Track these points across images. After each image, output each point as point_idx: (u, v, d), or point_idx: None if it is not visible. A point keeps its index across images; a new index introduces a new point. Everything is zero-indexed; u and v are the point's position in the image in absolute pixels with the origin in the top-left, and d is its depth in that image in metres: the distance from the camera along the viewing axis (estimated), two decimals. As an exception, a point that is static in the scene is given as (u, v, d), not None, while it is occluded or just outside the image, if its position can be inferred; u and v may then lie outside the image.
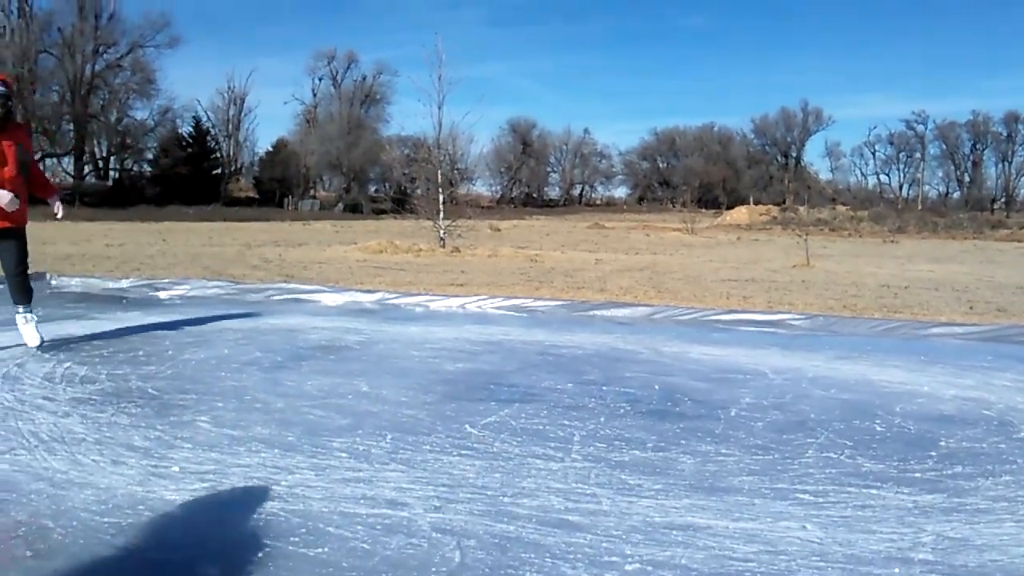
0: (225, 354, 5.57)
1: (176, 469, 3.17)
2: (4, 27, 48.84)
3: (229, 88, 66.86)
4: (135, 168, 57.68)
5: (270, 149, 67.19)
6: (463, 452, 3.50)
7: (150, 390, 4.47)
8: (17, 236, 5.35)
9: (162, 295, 8.94)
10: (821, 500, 3.02)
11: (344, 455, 3.41)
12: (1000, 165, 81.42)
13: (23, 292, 5.44)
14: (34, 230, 5.36)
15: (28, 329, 5.47)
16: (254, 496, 2.91)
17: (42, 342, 5.43)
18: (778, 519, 2.82)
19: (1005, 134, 79.94)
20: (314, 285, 9.66)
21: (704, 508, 2.92)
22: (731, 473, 3.32)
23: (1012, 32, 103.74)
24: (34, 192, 5.51)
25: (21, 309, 5.46)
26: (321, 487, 3.02)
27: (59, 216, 5.69)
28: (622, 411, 4.32)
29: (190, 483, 3.01)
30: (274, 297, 8.93)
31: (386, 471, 3.23)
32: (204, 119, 62.57)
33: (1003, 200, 78.58)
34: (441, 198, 19.98)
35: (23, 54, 48.20)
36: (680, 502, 2.97)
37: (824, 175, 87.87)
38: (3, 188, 5.04)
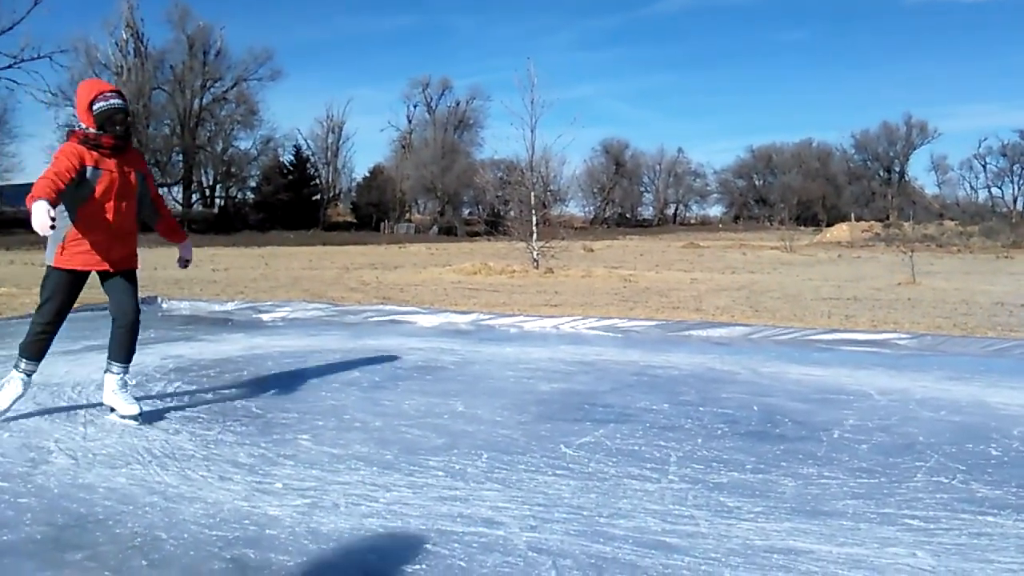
0: (325, 374, 5.71)
1: (279, 486, 3.26)
2: (122, 67, 51.61)
3: (328, 117, 68.91)
4: (239, 195, 60.04)
5: (367, 175, 68.91)
6: (558, 472, 3.50)
7: (254, 409, 4.62)
8: (134, 279, 4.41)
9: (265, 317, 9.24)
10: (932, 526, 2.90)
11: (441, 473, 3.45)
12: None
13: (131, 347, 4.36)
14: (145, 255, 5.43)
15: (125, 396, 4.32)
16: (353, 513, 2.97)
17: (141, 412, 4.29)
18: (885, 545, 2.72)
19: None
20: (410, 307, 9.84)
21: (806, 532, 2.83)
22: (835, 496, 3.22)
23: None
24: (163, 234, 4.64)
25: (117, 369, 4.32)
26: (418, 505, 3.06)
27: (185, 266, 4.82)
28: (719, 432, 4.24)
29: (292, 499, 3.10)
30: (372, 318, 9.12)
31: (482, 490, 3.25)
32: (304, 147, 64.82)
33: None
34: (534, 220, 20.07)
35: (139, 91, 50.81)
36: (781, 525, 2.90)
37: (930, 189, 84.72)
38: (123, 221, 4.22)
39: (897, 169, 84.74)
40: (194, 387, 5.15)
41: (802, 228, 64.29)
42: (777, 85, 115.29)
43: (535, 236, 19.78)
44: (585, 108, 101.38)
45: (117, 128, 4.13)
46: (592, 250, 31.29)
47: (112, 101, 4.14)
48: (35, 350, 4.24)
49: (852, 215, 68.43)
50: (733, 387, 5.49)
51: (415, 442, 3.96)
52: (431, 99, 74.22)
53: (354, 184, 71.79)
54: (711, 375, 5.94)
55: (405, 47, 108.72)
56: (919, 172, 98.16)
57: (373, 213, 63.32)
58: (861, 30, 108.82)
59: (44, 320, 4.21)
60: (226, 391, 5.07)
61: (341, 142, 70.29)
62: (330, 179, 69.61)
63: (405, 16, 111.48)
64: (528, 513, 2.98)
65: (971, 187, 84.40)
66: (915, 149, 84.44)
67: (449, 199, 67.46)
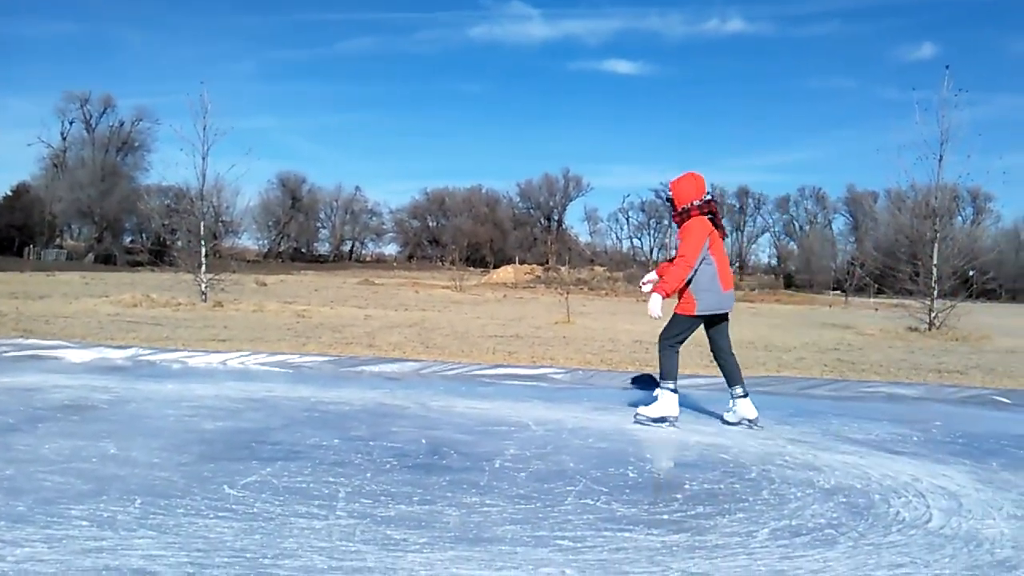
0: (-56, 417, 4.98)
1: None
2: None
3: (-40, 125, 60.84)
4: None
5: (8, 194, 61.72)
6: (220, 514, 3.33)
7: None
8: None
9: None
10: (579, 545, 3.15)
11: (85, 523, 3.14)
12: (734, 233, 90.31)
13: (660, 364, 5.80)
14: None
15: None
16: (-25, 573, 2.61)
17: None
18: (539, 566, 2.90)
19: (737, 206, 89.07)
20: (57, 340, 8.88)
21: (469, 559, 2.95)
22: (495, 523, 3.39)
23: (744, 117, 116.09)
24: None
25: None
26: (55, 560, 2.75)
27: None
28: (388, 466, 4.29)
29: None
30: (8, 353, 8.11)
31: (134, 538, 3.00)
32: (-72, 158, 56.58)
33: (738, 264, 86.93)
34: (204, 251, 19.07)
35: None
36: (445, 554, 2.99)
37: (584, 238, 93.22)
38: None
39: (556, 218, 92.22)
40: None
41: (471, 269, 67.41)
42: (451, 131, 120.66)
43: (204, 268, 18.79)
44: (263, 140, 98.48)
45: None
46: (265, 284, 30.38)
47: None
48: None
49: (516, 258, 73.13)
50: (403, 421, 5.59)
51: (55, 490, 3.57)
52: (90, 116, 68.48)
53: (-9, 203, 63.81)
54: (382, 410, 6.01)
55: (61, 56, 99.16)
56: (575, 221, 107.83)
57: (16, 236, 56.74)
58: (528, 88, 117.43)
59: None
60: None
61: (-24, 155, 62.37)
62: (-40, 196, 61.27)
63: (62, 22, 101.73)
64: (186, 560, 2.81)
65: (617, 237, 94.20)
66: (571, 200, 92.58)
67: (108, 225, 62.36)
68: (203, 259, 18.95)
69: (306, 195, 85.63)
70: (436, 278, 50.91)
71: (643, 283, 6.15)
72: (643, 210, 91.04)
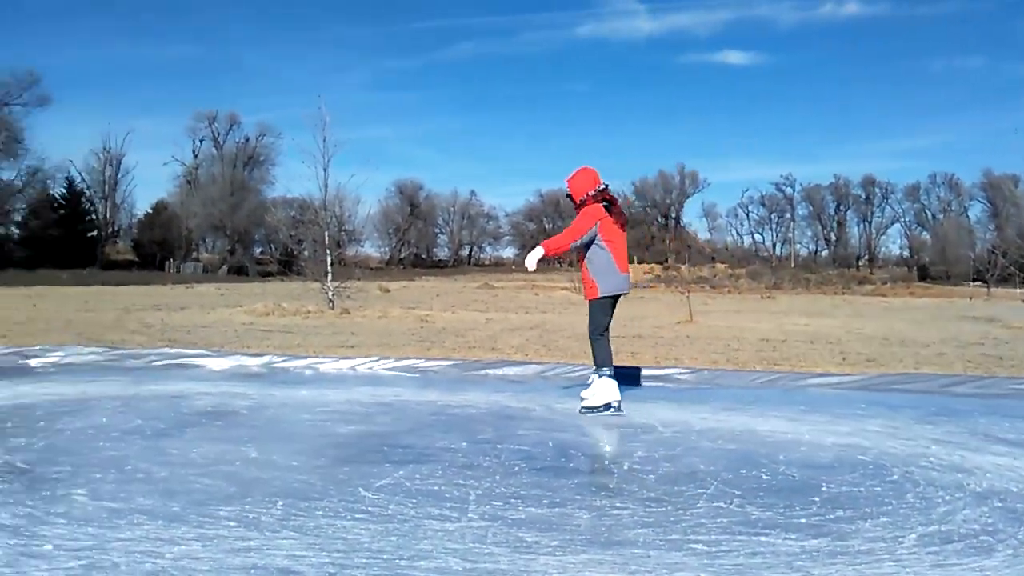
0: (103, 423, 5.31)
1: (49, 547, 2.98)
2: None
3: (105, 149, 64.99)
4: (1, 230, 54.95)
5: (149, 211, 65.53)
6: (357, 516, 3.43)
7: (19, 464, 4.21)
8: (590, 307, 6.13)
9: (33, 363, 8.47)
10: (714, 549, 3.08)
11: (233, 524, 3.29)
12: (861, 225, 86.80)
13: (593, 355, 6.07)
14: None
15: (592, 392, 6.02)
16: (136, 571, 2.76)
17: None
18: (673, 570, 2.86)
19: (864, 196, 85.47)
20: (198, 349, 9.36)
21: (601, 562, 2.93)
22: (626, 526, 3.36)
23: (866, 103, 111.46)
24: None
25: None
26: (208, 558, 2.90)
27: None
28: (517, 469, 4.32)
29: (64, 560, 2.84)
30: (156, 362, 8.60)
31: (277, 539, 3.12)
32: (78, 180, 60.66)
33: (867, 257, 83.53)
34: (329, 259, 19.70)
35: None
36: (578, 557, 2.98)
37: (702, 235, 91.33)
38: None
39: (673, 215, 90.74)
40: (-54, 442, 4.63)
41: (590, 270, 66.95)
42: (562, 131, 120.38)
43: (330, 276, 19.41)
44: (380, 148, 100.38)
45: None
46: (388, 290, 31.14)
47: None
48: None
49: (635, 258, 72.40)
50: (529, 424, 5.62)
51: (204, 492, 3.76)
52: (218, 134, 71.83)
53: (135, 221, 68.02)
54: (507, 413, 6.06)
55: (189, 78, 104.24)
56: (692, 218, 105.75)
57: (157, 252, 60.11)
58: (639, 84, 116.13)
59: None
60: (-15, 445, 4.59)
61: (120, 175, 66.49)
62: (108, 215, 65.43)
63: (188, 46, 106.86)
64: (327, 560, 2.90)
65: (737, 233, 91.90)
66: (688, 197, 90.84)
67: (239, 238, 65.25)
68: (329, 268, 19.58)
69: (423, 201, 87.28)
70: (555, 280, 50.91)
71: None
72: (763, 204, 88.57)
